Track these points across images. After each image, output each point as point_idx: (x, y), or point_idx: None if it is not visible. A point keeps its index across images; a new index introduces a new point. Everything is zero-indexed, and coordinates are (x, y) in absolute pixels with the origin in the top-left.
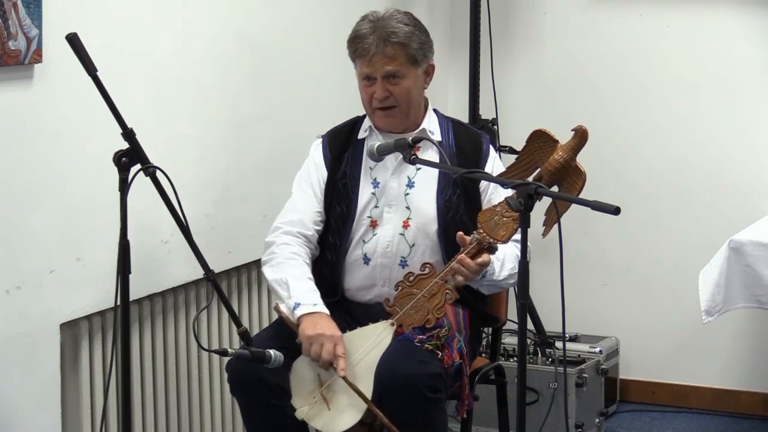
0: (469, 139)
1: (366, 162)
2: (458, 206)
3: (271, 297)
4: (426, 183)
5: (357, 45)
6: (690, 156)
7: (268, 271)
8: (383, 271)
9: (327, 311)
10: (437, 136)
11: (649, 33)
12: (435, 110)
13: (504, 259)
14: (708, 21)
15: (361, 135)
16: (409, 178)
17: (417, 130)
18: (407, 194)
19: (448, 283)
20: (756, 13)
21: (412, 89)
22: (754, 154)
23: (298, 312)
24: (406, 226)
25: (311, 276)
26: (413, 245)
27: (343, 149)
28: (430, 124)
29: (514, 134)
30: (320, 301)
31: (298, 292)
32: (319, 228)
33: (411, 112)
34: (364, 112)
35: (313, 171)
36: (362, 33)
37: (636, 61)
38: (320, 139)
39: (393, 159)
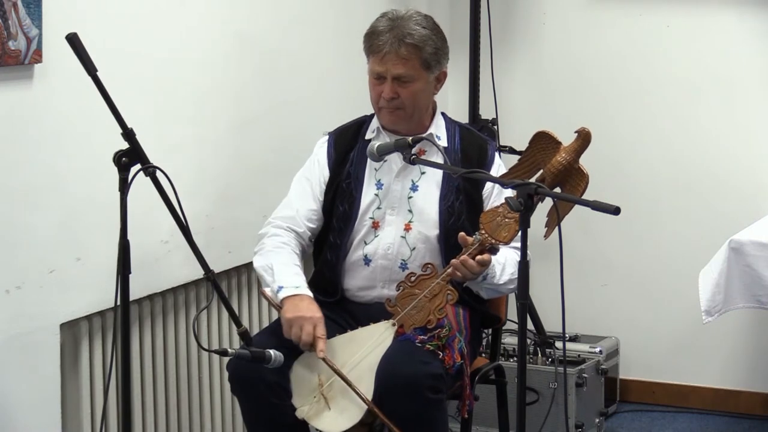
0: (475, 145)
1: (371, 163)
2: (460, 212)
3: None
4: (429, 187)
5: (372, 41)
6: (690, 156)
7: (256, 260)
8: (383, 273)
9: (310, 294)
10: (444, 142)
11: (649, 33)
12: (443, 113)
13: (505, 264)
14: (708, 21)
15: (368, 135)
16: (413, 181)
17: (425, 135)
18: (410, 197)
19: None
20: (756, 13)
21: (420, 94)
22: (754, 154)
23: (281, 294)
24: (407, 229)
25: (298, 264)
26: (414, 248)
27: (348, 149)
28: (438, 128)
29: (514, 134)
30: (304, 284)
31: (282, 276)
32: (312, 226)
33: (416, 116)
34: (371, 112)
35: (315, 169)
36: (379, 30)
37: (636, 61)
38: (326, 137)
39: (398, 161)
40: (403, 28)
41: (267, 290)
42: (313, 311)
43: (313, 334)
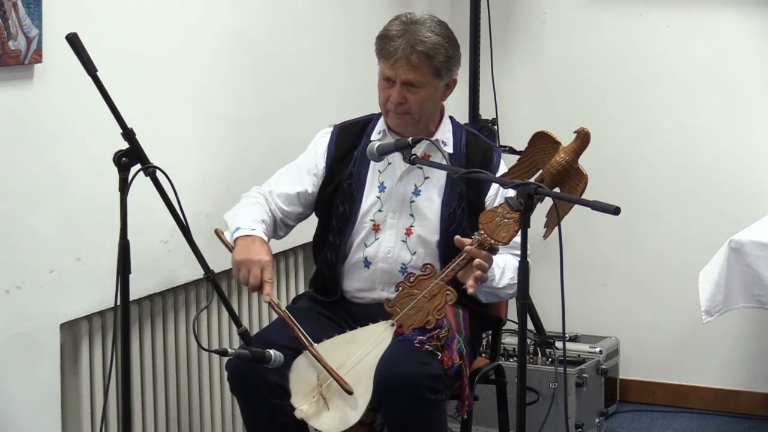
0: (480, 151)
1: (374, 165)
2: (462, 219)
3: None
4: (432, 193)
5: (384, 45)
6: (690, 156)
7: (226, 214)
8: (383, 276)
9: (264, 237)
10: (449, 147)
11: (649, 33)
12: (451, 118)
13: (504, 268)
14: (708, 21)
15: (373, 136)
16: (416, 185)
17: (432, 139)
18: (412, 201)
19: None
20: (756, 13)
21: (428, 100)
22: (754, 154)
23: (236, 235)
24: (408, 233)
25: (265, 219)
26: (414, 253)
27: (351, 147)
28: (444, 133)
29: (514, 134)
30: (260, 229)
31: (243, 220)
32: (284, 208)
33: (422, 121)
34: (378, 111)
35: (311, 157)
36: (391, 34)
37: (636, 61)
38: (330, 128)
39: (402, 165)
40: (415, 35)
41: (226, 234)
42: (263, 254)
43: (261, 278)
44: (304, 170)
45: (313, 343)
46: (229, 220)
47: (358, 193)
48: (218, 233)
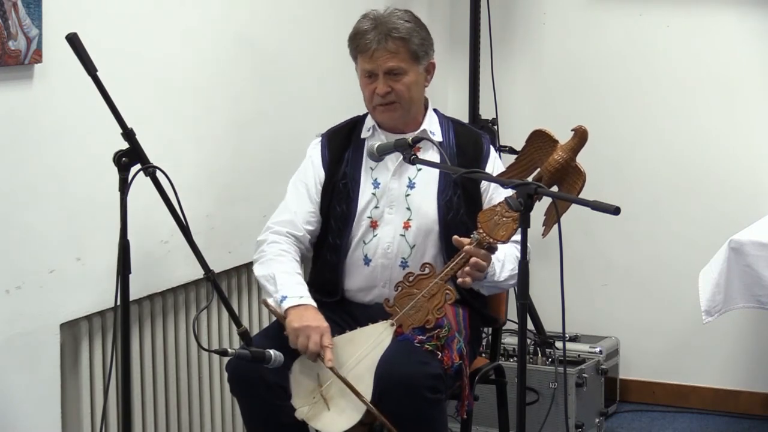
0: (470, 140)
1: (367, 162)
2: (459, 206)
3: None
4: (427, 184)
5: (358, 41)
6: (690, 156)
7: (257, 269)
8: (384, 272)
9: (314, 303)
10: (438, 137)
11: (649, 33)
12: (435, 110)
13: (504, 260)
14: (708, 21)
15: (363, 135)
16: (409, 178)
17: (418, 131)
18: (408, 195)
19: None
20: (756, 13)
21: (413, 86)
22: (754, 154)
23: (285, 305)
24: (406, 227)
25: (300, 272)
26: (413, 246)
27: (343, 149)
28: (431, 124)
29: (514, 134)
30: (307, 294)
31: (285, 286)
32: (311, 228)
33: (412, 109)
34: (365, 111)
35: (310, 171)
36: (363, 29)
37: (636, 61)
38: (319, 139)
39: (394, 159)
40: (387, 24)
41: (270, 300)
42: (320, 321)
43: (320, 344)
44: (311, 184)
45: (373, 407)
46: (268, 285)
47: (353, 192)
48: (266, 304)
